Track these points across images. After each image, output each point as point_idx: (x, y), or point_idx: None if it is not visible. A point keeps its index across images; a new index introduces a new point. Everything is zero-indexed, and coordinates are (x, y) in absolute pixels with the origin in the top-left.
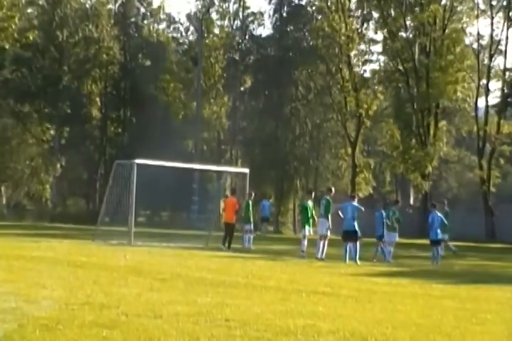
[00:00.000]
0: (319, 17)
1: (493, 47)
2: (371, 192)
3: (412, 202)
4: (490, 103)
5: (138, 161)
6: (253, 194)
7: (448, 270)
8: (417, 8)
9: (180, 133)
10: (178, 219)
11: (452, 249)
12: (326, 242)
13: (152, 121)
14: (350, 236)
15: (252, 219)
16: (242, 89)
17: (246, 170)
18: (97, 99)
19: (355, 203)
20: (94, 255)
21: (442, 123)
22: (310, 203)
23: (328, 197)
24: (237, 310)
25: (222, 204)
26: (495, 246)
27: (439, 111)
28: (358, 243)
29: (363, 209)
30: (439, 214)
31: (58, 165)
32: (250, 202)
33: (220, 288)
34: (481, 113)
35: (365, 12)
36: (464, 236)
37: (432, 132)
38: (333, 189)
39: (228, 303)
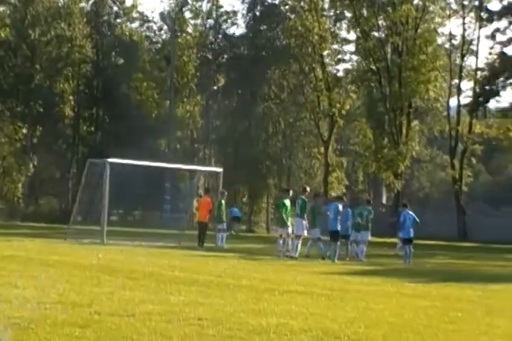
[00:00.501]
0: (292, 16)
1: (465, 47)
2: (344, 191)
3: (384, 200)
4: (462, 103)
5: (111, 160)
6: (226, 193)
7: (420, 268)
8: (389, 8)
9: (153, 131)
10: (151, 218)
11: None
12: (300, 241)
13: (125, 120)
14: (332, 235)
15: (224, 218)
16: (215, 88)
17: (219, 169)
18: (70, 97)
19: (340, 204)
20: (67, 254)
21: (414, 123)
22: (287, 201)
23: (303, 197)
24: (209, 309)
25: (195, 203)
26: (466, 245)
27: (412, 110)
28: (338, 243)
29: (340, 209)
30: (410, 212)
31: (31, 164)
32: (223, 202)
33: (192, 286)
34: (453, 112)
35: (337, 11)
36: (436, 235)
37: (404, 131)
38: (308, 188)
39: (201, 302)
